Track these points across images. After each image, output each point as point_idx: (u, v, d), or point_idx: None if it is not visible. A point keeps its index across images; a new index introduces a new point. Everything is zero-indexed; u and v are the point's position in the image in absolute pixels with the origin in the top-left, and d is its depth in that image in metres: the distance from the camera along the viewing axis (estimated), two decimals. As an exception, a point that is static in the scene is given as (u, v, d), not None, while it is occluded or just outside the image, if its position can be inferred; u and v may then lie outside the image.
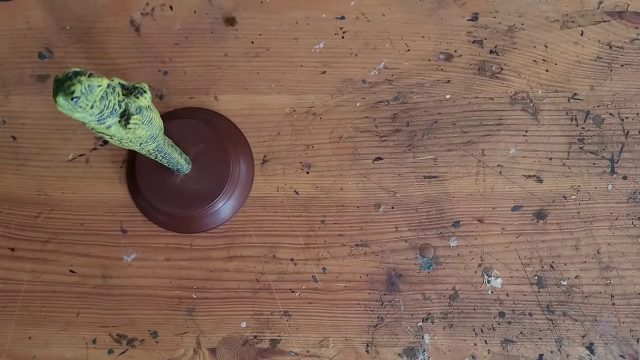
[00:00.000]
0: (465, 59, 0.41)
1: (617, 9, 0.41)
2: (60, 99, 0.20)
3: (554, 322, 0.38)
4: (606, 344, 0.38)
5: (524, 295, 0.39)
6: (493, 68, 0.41)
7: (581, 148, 0.40)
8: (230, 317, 0.39)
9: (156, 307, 0.39)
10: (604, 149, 0.40)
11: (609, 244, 0.39)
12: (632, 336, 0.39)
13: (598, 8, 0.41)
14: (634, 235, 0.39)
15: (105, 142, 0.40)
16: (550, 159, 0.40)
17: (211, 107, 0.40)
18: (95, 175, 0.39)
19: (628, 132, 0.40)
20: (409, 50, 0.41)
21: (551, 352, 0.38)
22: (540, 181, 0.40)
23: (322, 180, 0.40)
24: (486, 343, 0.38)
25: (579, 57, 0.41)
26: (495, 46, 0.41)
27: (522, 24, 0.41)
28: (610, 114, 0.40)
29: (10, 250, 0.39)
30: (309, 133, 0.40)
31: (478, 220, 0.39)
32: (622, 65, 0.41)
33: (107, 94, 0.22)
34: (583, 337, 0.38)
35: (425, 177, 0.40)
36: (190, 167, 0.37)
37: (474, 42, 0.41)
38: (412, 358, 0.38)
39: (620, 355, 0.38)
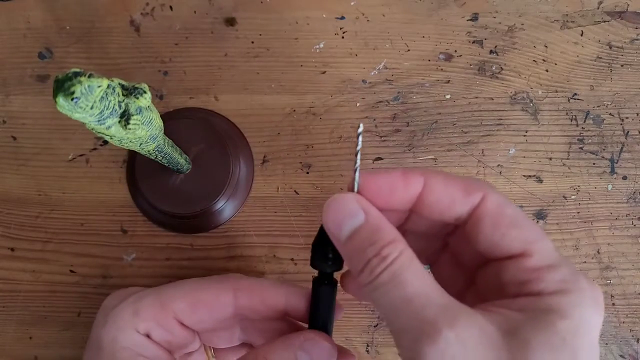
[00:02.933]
0: (465, 59, 0.41)
1: (617, 9, 0.41)
2: (60, 99, 0.20)
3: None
4: (606, 344, 0.38)
5: (524, 295, 0.39)
6: (493, 68, 0.41)
7: (581, 148, 0.40)
8: (230, 317, 0.39)
9: (156, 307, 0.39)
10: (604, 149, 0.40)
11: (609, 244, 0.39)
12: (632, 336, 0.39)
13: (598, 8, 0.41)
14: (634, 235, 0.39)
15: (105, 142, 0.40)
16: (550, 159, 0.40)
17: (211, 107, 0.40)
18: (95, 175, 0.39)
19: (628, 132, 0.40)
20: (409, 50, 0.41)
21: (551, 352, 0.38)
22: (540, 181, 0.40)
23: (322, 180, 0.40)
24: (486, 343, 0.38)
25: (579, 57, 0.41)
26: (495, 46, 0.41)
27: (522, 24, 0.41)
28: (610, 114, 0.40)
29: (10, 250, 0.39)
30: (309, 133, 0.40)
31: (478, 220, 0.39)
32: (622, 65, 0.41)
33: (107, 94, 0.22)
34: (583, 337, 0.38)
35: (425, 177, 0.40)
36: (190, 167, 0.37)
37: (474, 42, 0.41)
38: (412, 358, 0.38)
39: (620, 355, 0.38)
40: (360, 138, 0.24)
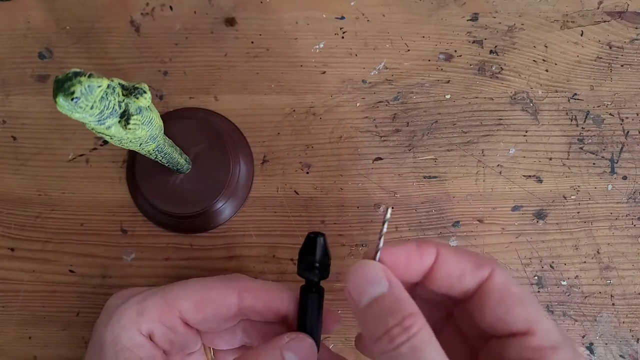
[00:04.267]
0: (465, 59, 0.41)
1: (617, 9, 0.41)
2: (60, 100, 0.20)
3: (553, 322, 0.38)
4: (606, 344, 0.38)
5: (524, 295, 0.39)
6: (493, 68, 0.41)
7: (581, 148, 0.40)
8: (230, 317, 0.39)
9: (156, 307, 0.39)
10: (604, 149, 0.40)
11: (609, 244, 0.39)
12: (632, 336, 0.39)
13: (598, 8, 0.41)
14: (634, 235, 0.39)
15: (105, 142, 0.40)
16: (550, 159, 0.40)
17: (211, 107, 0.40)
18: (95, 175, 0.39)
19: (628, 132, 0.40)
20: (409, 50, 0.41)
21: (551, 352, 0.38)
22: (540, 181, 0.40)
23: (322, 180, 0.40)
24: (486, 343, 0.38)
25: (579, 57, 0.41)
26: (495, 46, 0.41)
27: (522, 24, 0.41)
28: (610, 114, 0.40)
29: (10, 250, 0.39)
30: (309, 133, 0.40)
31: (478, 221, 0.39)
32: (622, 65, 0.41)
33: (107, 94, 0.22)
34: (583, 337, 0.38)
35: (425, 177, 0.40)
36: (190, 167, 0.37)
37: (474, 42, 0.41)
38: (412, 358, 0.38)
39: (620, 355, 0.38)
40: (388, 215, 0.24)
